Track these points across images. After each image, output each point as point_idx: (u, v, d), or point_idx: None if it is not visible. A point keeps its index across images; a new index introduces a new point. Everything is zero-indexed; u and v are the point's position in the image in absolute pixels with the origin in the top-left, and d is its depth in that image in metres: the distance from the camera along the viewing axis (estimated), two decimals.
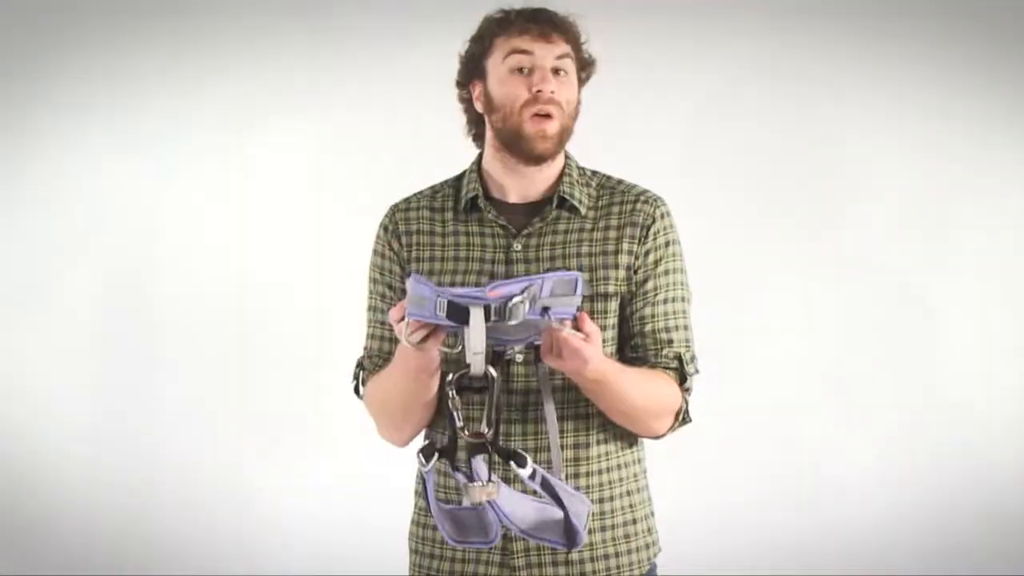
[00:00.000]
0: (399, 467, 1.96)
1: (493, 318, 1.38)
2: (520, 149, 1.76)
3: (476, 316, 1.38)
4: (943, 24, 2.92)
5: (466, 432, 1.50)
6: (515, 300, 1.38)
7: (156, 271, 3.11)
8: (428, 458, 1.53)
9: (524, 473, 1.50)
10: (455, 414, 1.49)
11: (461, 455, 1.55)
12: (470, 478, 1.49)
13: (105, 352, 3.11)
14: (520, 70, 1.75)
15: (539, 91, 1.73)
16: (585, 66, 1.82)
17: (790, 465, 2.95)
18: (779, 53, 2.95)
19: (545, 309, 1.42)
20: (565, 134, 1.78)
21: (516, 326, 1.49)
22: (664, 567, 1.90)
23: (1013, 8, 2.90)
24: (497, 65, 1.77)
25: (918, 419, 2.94)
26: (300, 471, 3.07)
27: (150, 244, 3.11)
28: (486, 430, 1.50)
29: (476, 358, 1.41)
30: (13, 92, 3.09)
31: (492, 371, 1.47)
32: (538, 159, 1.77)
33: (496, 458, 1.62)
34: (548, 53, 1.75)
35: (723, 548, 2.95)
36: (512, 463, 1.50)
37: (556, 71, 1.76)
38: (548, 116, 1.74)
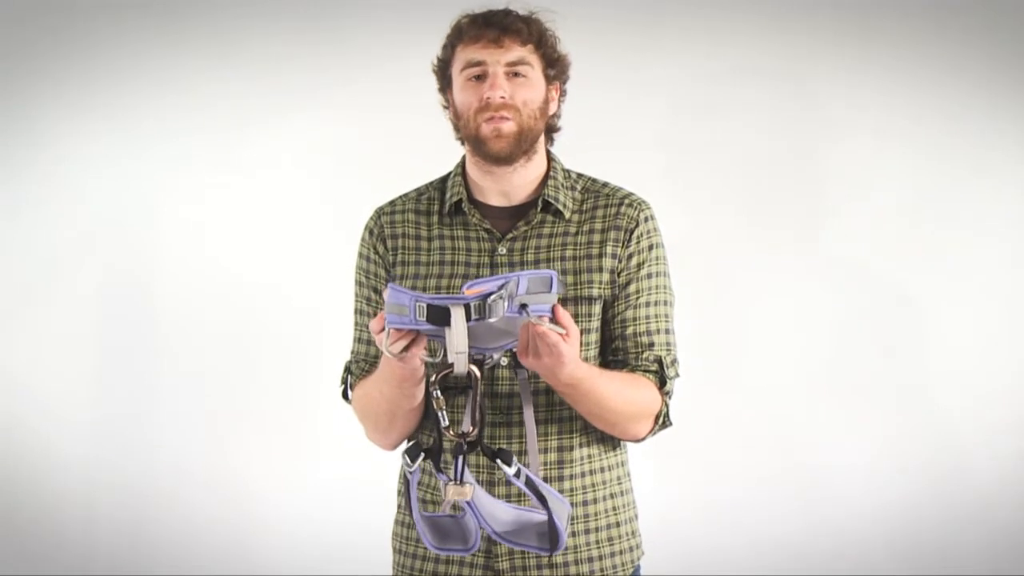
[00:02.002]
0: (398, 468, 1.96)
1: (474, 316, 1.38)
2: (481, 152, 1.77)
3: (457, 315, 1.38)
4: (940, 23, 2.89)
5: (451, 432, 1.49)
6: (493, 297, 1.38)
7: (156, 271, 3.11)
8: (413, 459, 1.54)
9: (510, 471, 1.50)
10: (440, 414, 1.49)
11: (447, 456, 1.55)
12: (452, 479, 1.49)
13: (105, 352, 3.12)
14: (476, 77, 1.76)
15: (488, 98, 1.74)
16: (553, 63, 1.81)
17: (783, 466, 2.94)
18: (770, 51, 2.92)
19: (523, 306, 1.43)
20: (525, 134, 1.77)
21: (495, 331, 1.50)
22: (658, 567, 1.90)
23: (1012, 8, 2.87)
24: (457, 74, 1.79)
25: (913, 420, 2.92)
26: (300, 471, 3.07)
27: (150, 245, 3.11)
28: (471, 429, 1.50)
29: (459, 357, 1.41)
30: (13, 92, 3.10)
31: (475, 370, 1.47)
32: (498, 159, 1.77)
33: (482, 458, 1.62)
34: (500, 58, 1.75)
35: (718, 548, 2.94)
36: (498, 461, 1.50)
37: (514, 74, 1.76)
38: (503, 119, 1.74)
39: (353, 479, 2.95)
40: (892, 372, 2.92)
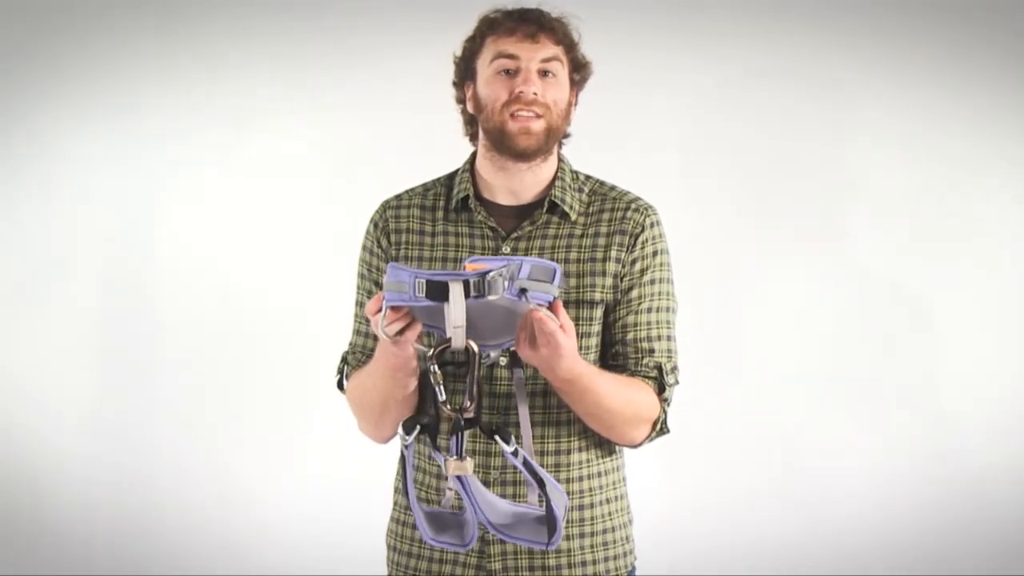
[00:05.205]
0: (395, 467, 1.96)
1: (472, 293, 1.38)
2: (505, 146, 1.76)
3: (455, 290, 1.38)
4: (947, 25, 2.89)
5: (448, 406, 1.48)
6: (492, 274, 1.38)
7: (155, 271, 3.11)
8: (409, 431, 1.53)
9: (507, 448, 1.49)
10: (437, 388, 1.48)
11: (443, 437, 1.54)
12: (452, 454, 1.49)
13: (104, 352, 3.11)
14: (506, 71, 1.76)
15: (520, 92, 1.73)
16: (579, 67, 1.82)
17: (784, 466, 2.94)
18: (780, 53, 2.93)
19: (523, 291, 1.42)
20: (552, 133, 1.77)
21: (494, 325, 1.49)
22: (658, 567, 1.89)
23: (1013, 9, 2.87)
24: (485, 67, 1.78)
25: (914, 421, 2.92)
26: (299, 472, 3.07)
27: (149, 244, 3.11)
28: (468, 404, 1.49)
29: (457, 331, 1.40)
30: (13, 91, 3.09)
31: (473, 345, 1.46)
32: (522, 155, 1.76)
33: (478, 443, 1.61)
34: (534, 55, 1.75)
35: (718, 548, 2.95)
36: (496, 437, 1.50)
37: (544, 72, 1.76)
38: (533, 117, 1.74)
39: (352, 479, 2.94)
40: (893, 373, 2.92)
